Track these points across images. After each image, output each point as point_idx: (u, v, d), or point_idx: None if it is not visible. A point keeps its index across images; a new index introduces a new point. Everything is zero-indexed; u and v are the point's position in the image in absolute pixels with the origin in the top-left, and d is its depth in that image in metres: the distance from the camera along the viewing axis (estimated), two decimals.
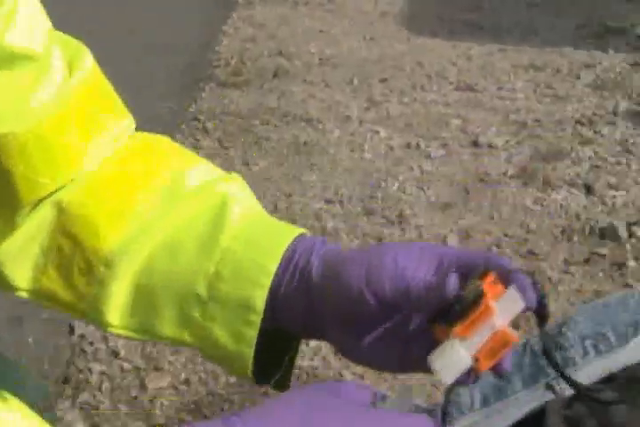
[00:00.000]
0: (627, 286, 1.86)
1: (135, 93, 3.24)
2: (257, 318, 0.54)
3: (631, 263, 1.93)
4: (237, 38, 4.16)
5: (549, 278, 1.92)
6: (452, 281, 0.51)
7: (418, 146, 2.69)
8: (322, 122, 2.95)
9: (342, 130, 2.88)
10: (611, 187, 2.32)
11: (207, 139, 2.88)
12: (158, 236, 0.58)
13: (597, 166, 2.45)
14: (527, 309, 0.51)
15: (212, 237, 0.57)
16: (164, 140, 0.65)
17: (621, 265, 1.94)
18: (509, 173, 2.45)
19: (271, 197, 2.40)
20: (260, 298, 0.54)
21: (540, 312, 0.53)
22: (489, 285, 0.50)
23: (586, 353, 0.99)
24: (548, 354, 0.62)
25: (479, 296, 0.49)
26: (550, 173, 2.43)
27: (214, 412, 1.57)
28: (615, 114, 2.83)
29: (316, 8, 4.61)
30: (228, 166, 2.64)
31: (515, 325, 0.53)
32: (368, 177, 2.50)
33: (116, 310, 0.58)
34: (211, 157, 2.72)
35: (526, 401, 0.98)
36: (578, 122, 2.78)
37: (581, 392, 0.84)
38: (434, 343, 0.51)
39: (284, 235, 0.57)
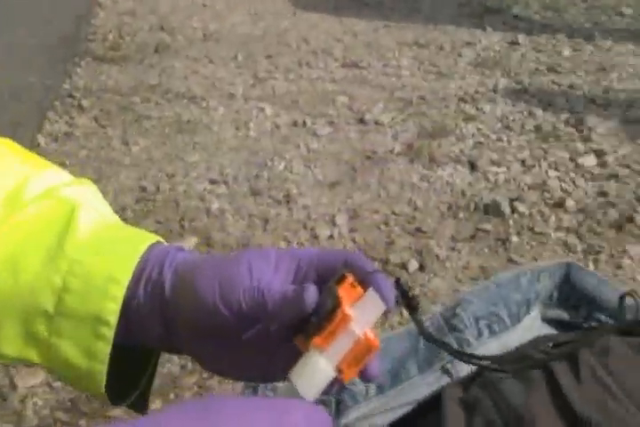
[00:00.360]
0: (510, 260, 1.88)
1: (5, 68, 3.03)
2: (109, 332, 0.50)
3: (514, 238, 1.95)
4: (115, 11, 3.96)
5: (437, 256, 1.92)
6: (310, 292, 0.48)
7: (304, 124, 2.63)
8: (205, 99, 2.85)
9: (227, 107, 2.79)
10: (493, 163, 2.34)
11: (83, 117, 2.71)
12: None
13: (480, 143, 2.47)
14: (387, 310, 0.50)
15: (58, 247, 0.52)
16: (7, 144, 0.59)
17: (505, 240, 1.95)
18: (396, 151, 2.43)
19: (153, 178, 2.29)
20: (111, 310, 0.50)
21: (410, 304, 0.52)
22: (347, 289, 0.48)
23: (480, 334, 0.97)
24: (429, 339, 0.61)
25: (336, 305, 0.46)
26: (436, 149, 2.43)
27: (94, 410, 1.46)
28: (495, 91, 2.87)
29: None
30: (106, 146, 2.50)
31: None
32: (254, 156, 2.43)
33: None
34: (87, 136, 2.57)
35: (422, 386, 0.94)
36: (461, 99, 2.80)
37: (471, 362, 0.81)
38: (298, 355, 0.48)
39: (136, 244, 0.53)
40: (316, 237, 2.00)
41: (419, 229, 2.02)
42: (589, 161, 2.31)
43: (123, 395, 0.55)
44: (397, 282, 0.52)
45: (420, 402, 0.92)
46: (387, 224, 2.06)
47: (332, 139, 2.54)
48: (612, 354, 0.81)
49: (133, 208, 2.12)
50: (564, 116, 2.62)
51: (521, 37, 3.40)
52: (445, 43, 3.41)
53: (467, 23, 3.69)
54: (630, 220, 1.99)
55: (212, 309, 0.49)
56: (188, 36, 3.63)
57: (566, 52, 3.25)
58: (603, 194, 2.12)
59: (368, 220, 2.08)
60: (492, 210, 2.07)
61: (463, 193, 2.19)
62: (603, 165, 2.29)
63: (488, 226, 2.02)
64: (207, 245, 1.96)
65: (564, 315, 1.03)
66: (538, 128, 2.55)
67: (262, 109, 2.75)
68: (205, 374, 1.56)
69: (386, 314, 0.50)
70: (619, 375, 0.79)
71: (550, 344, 0.90)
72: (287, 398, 0.44)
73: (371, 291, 0.48)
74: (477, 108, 2.71)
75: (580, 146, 2.41)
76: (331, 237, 2.00)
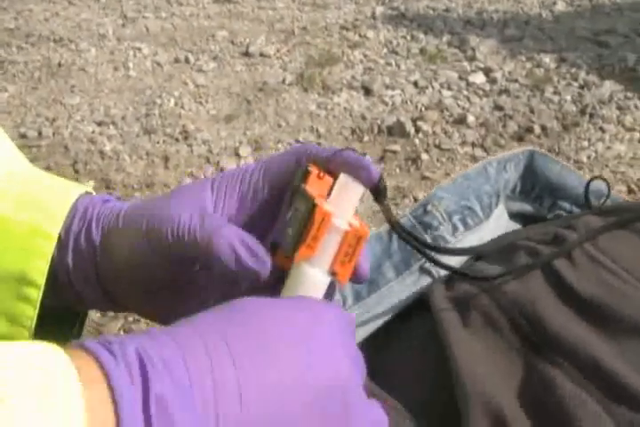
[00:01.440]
0: (424, 178, 1.83)
1: None
2: (35, 293, 0.42)
3: (424, 156, 1.89)
4: None
5: None
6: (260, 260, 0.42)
7: (187, 60, 2.44)
8: (74, 41, 2.58)
9: (99, 49, 2.54)
10: (387, 87, 2.27)
11: None
12: None
13: (370, 68, 2.38)
14: (368, 187, 0.43)
15: None
16: None
17: (415, 159, 1.89)
18: (288, 81, 2.30)
19: (32, 124, 2.04)
20: (37, 269, 0.42)
21: (375, 188, 0.45)
22: (314, 183, 0.41)
23: (455, 229, 0.89)
24: (398, 231, 0.54)
25: (311, 207, 0.39)
26: (327, 77, 2.32)
27: None
28: (374, 18, 2.78)
29: None
30: None
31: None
32: (140, 95, 2.22)
33: None
34: None
35: (402, 289, 0.85)
36: (343, 27, 2.69)
37: (459, 272, 0.74)
38: (277, 274, 0.42)
39: (62, 194, 0.45)
40: (222, 170, 1.86)
41: None
42: (479, 79, 2.29)
43: None
44: (362, 157, 0.43)
45: (403, 307, 0.83)
46: None
47: (218, 74, 2.37)
48: (601, 233, 0.76)
49: None
50: (446, 38, 2.58)
51: None
52: None
53: None
54: (529, 130, 1.98)
55: (151, 258, 0.42)
56: None
57: None
58: (499, 108, 2.10)
59: (273, 150, 1.96)
60: (396, 131, 2.00)
61: (363, 117, 2.10)
62: (492, 81, 2.27)
63: (396, 147, 1.95)
64: (107, 187, 1.77)
65: (527, 207, 0.97)
66: (423, 51, 2.49)
67: (139, 49, 2.53)
68: (131, 318, 1.41)
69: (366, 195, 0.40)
70: (612, 252, 0.73)
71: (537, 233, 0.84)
72: (314, 300, 0.40)
73: (342, 176, 0.41)
74: (360, 35, 2.62)
75: (467, 65, 2.38)
76: None
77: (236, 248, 0.40)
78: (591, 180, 0.88)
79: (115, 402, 0.27)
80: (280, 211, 0.44)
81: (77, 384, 0.27)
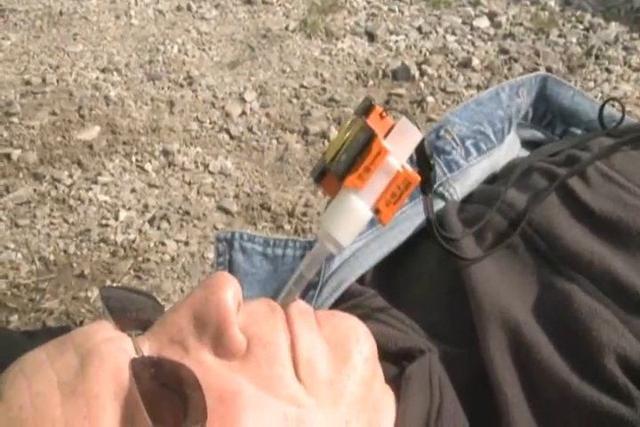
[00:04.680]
0: (430, 120, 1.79)
1: None
2: None
3: (430, 99, 1.85)
4: None
5: None
6: None
7: (189, 8, 2.38)
8: None
9: None
10: (391, 33, 2.21)
11: None
12: None
13: (374, 15, 2.32)
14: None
15: None
16: None
17: (420, 102, 1.85)
18: (291, 28, 2.24)
19: (36, 71, 1.99)
20: None
21: (426, 175, 0.44)
22: (375, 120, 0.40)
23: (468, 154, 0.86)
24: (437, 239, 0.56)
25: (370, 138, 0.38)
26: (330, 23, 2.26)
27: (23, 304, 1.28)
28: None
29: None
30: None
31: None
32: (143, 42, 2.17)
33: None
34: None
35: (416, 213, 0.83)
36: None
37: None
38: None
39: None
40: (227, 115, 1.82)
41: (332, 99, 1.88)
42: (483, 23, 2.22)
43: None
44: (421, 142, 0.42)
45: (416, 229, 0.81)
46: (298, 97, 1.90)
47: (221, 21, 2.31)
48: (614, 153, 0.73)
49: (21, 102, 1.84)
50: None
51: None
52: None
53: None
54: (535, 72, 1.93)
55: None
56: None
57: None
58: (504, 51, 2.05)
59: (277, 95, 1.91)
60: (401, 75, 1.95)
61: (368, 62, 2.05)
62: (497, 26, 2.20)
63: (401, 90, 1.90)
64: (112, 132, 1.74)
65: (538, 135, 0.94)
66: None
67: None
68: (140, 258, 1.39)
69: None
70: (625, 171, 0.71)
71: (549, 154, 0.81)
72: None
73: (404, 119, 0.40)
74: None
75: (471, 10, 2.31)
76: (243, 113, 1.83)
77: None
78: (606, 101, 0.85)
79: None
80: None
81: None
